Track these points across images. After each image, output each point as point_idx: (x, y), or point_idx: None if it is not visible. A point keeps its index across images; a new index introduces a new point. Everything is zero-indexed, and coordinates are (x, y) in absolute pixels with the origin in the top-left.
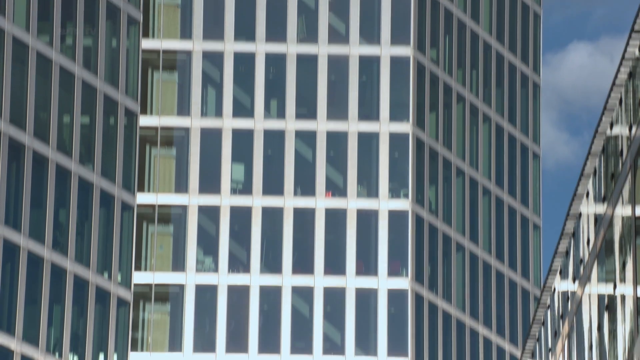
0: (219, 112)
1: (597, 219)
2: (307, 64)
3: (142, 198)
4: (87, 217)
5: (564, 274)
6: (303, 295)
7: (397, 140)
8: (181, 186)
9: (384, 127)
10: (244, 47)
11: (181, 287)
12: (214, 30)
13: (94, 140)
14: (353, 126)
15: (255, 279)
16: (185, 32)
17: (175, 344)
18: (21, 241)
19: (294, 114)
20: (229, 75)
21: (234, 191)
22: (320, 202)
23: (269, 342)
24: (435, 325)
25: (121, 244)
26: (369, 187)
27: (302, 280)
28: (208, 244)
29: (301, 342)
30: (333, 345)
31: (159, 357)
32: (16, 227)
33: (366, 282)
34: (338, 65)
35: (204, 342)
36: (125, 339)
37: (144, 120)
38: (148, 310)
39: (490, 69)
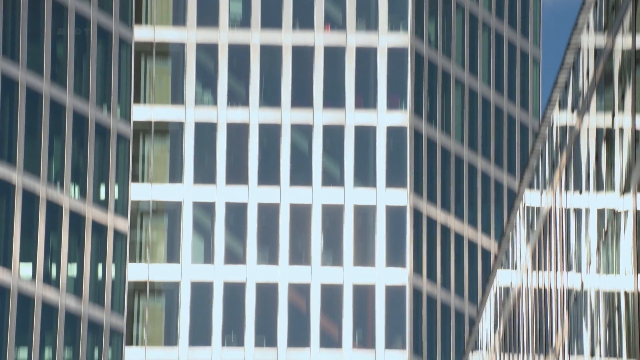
0: None
1: (597, 50)
2: None
3: (140, 33)
4: (85, 51)
5: (562, 106)
6: (302, 130)
7: None
8: (179, 20)
9: None
10: None
11: (180, 124)
12: None
13: None
14: None
15: (254, 114)
16: None
17: (175, 176)
18: (19, 74)
19: None
20: None
21: (232, 25)
22: (319, 38)
23: (268, 175)
24: (434, 160)
25: (120, 78)
26: (367, 21)
27: (301, 116)
28: (207, 80)
29: (300, 174)
30: (332, 178)
31: (160, 188)
32: (14, 60)
33: (365, 118)
34: None
35: (204, 175)
36: (126, 172)
37: None
38: (148, 145)
39: None
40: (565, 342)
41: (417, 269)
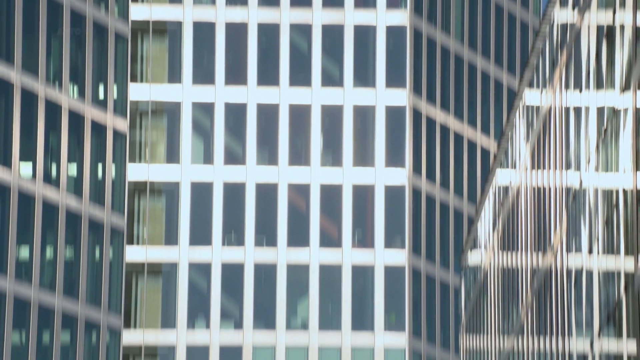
0: None
1: None
2: None
3: None
4: None
5: (563, 4)
6: (301, 30)
7: None
8: None
9: None
10: None
11: (179, 23)
12: None
13: None
14: None
15: (253, 14)
16: None
17: (174, 77)
18: None
19: None
20: None
21: None
22: None
23: (267, 75)
24: (434, 59)
25: None
26: None
27: (300, 16)
28: None
29: (300, 75)
30: (331, 79)
31: (159, 88)
32: None
33: (365, 17)
34: None
35: (203, 75)
36: (124, 72)
37: None
38: (146, 44)
39: None
40: (564, 240)
41: (416, 169)
